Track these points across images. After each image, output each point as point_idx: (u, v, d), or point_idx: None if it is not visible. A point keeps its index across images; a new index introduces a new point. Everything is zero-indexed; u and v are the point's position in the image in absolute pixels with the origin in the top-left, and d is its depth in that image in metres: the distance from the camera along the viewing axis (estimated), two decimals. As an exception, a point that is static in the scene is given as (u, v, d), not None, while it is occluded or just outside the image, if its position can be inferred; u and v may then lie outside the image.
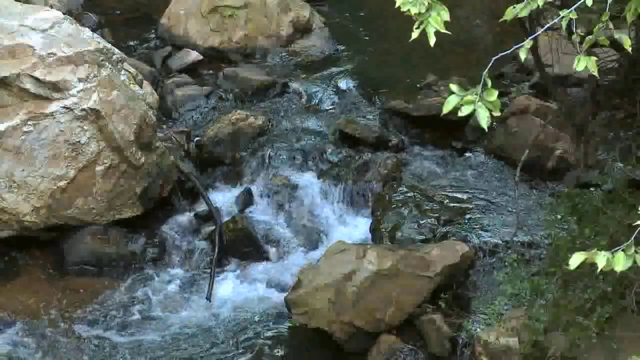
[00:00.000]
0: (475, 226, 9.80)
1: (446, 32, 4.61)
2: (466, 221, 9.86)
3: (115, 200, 9.86)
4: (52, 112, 9.48)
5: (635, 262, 4.42)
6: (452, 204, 10.10)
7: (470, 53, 12.36)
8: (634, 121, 8.02)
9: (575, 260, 4.48)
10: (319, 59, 12.85)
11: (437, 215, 9.85)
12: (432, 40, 4.60)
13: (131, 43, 12.87)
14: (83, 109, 9.53)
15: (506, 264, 8.23)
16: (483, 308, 8.58)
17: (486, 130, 4.55)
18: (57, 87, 9.49)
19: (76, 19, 11.05)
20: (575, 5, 4.61)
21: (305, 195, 10.53)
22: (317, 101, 11.83)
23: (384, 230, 9.77)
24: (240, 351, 8.96)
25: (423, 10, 4.57)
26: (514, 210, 9.36)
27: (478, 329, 8.13)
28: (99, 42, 9.88)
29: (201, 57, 12.58)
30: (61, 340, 8.96)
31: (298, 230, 10.28)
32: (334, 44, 13.12)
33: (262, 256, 10.02)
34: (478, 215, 9.98)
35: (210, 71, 12.49)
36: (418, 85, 11.79)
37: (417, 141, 11.21)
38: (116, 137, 9.68)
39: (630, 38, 4.81)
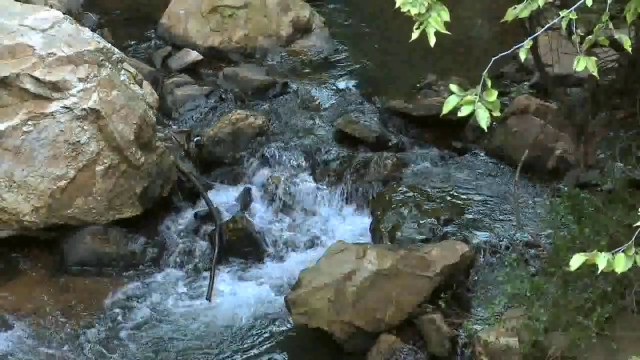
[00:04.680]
0: (475, 226, 9.80)
1: (446, 32, 4.61)
2: (466, 221, 9.87)
3: (115, 200, 9.87)
4: (52, 112, 9.48)
5: (635, 263, 4.42)
6: (452, 204, 10.11)
7: (470, 53, 12.36)
8: (634, 121, 8.01)
9: (576, 261, 4.48)
10: (319, 59, 12.86)
11: (437, 215, 9.85)
12: (432, 41, 4.60)
13: (131, 43, 12.87)
14: (83, 109, 9.53)
15: (506, 264, 8.22)
16: (483, 308, 8.58)
17: (486, 130, 4.55)
18: (57, 87, 9.49)
19: (76, 19, 11.05)
20: (575, 6, 4.61)
21: (305, 195, 10.53)
22: (317, 101, 11.83)
23: (384, 230, 9.77)
24: (240, 351, 8.96)
25: (423, 11, 4.57)
26: (514, 210, 9.37)
27: (478, 329, 8.13)
28: (99, 42, 9.87)
29: (201, 57, 12.58)
30: (61, 340, 8.95)
31: (298, 230, 10.28)
32: (334, 44, 13.12)
33: (262, 256, 10.02)
34: (478, 215, 9.99)
35: (210, 71, 12.49)
36: (418, 85, 11.79)
37: (417, 141, 11.22)
38: (116, 137, 9.68)
39: (630, 38, 4.81)
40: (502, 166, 10.77)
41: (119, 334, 9.10)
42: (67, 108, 9.50)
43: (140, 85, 10.30)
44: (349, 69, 12.58)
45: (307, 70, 12.57)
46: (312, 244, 10.15)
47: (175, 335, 9.13)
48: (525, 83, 11.60)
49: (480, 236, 9.63)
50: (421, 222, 9.77)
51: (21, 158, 9.51)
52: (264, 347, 9.00)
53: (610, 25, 4.75)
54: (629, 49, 4.79)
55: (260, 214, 10.44)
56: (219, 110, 11.61)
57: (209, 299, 9.51)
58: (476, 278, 9.24)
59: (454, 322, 8.58)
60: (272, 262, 10.00)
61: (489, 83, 4.52)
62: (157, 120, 10.51)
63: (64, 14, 10.25)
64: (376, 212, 10.08)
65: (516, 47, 4.72)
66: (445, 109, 4.54)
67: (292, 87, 11.99)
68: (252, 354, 8.92)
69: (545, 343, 7.51)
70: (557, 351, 7.40)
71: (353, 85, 12.17)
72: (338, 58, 12.88)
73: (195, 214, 10.35)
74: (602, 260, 4.43)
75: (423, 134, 11.28)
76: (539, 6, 4.71)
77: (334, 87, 12.12)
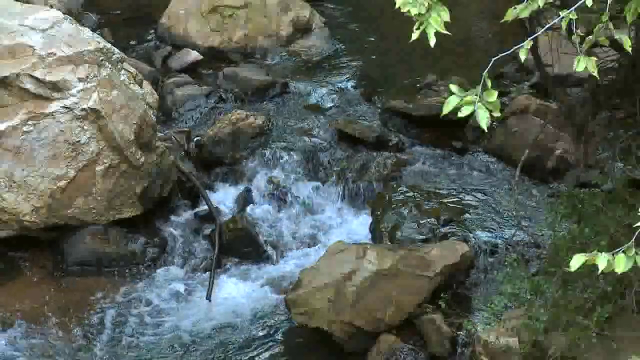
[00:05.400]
0: (475, 226, 9.81)
1: (446, 32, 4.61)
2: (466, 221, 9.87)
3: (115, 200, 9.87)
4: (52, 112, 9.48)
5: (636, 263, 4.42)
6: (452, 204, 10.11)
7: (470, 53, 12.36)
8: (634, 121, 8.02)
9: (576, 261, 4.48)
10: (319, 59, 12.86)
11: (437, 215, 9.85)
12: (432, 41, 4.60)
13: (131, 43, 12.87)
14: (83, 109, 9.53)
15: (506, 264, 8.22)
16: (483, 308, 8.58)
17: (486, 130, 4.55)
18: (57, 87, 9.49)
19: (76, 19, 11.05)
20: (576, 6, 4.61)
21: (305, 195, 10.54)
22: (317, 101, 11.83)
23: (384, 230, 9.77)
24: (240, 351, 8.96)
25: (423, 11, 4.57)
26: (514, 210, 9.37)
27: (478, 329, 8.13)
28: (99, 42, 9.88)
29: (201, 57, 12.59)
30: (61, 340, 8.96)
31: (298, 230, 10.28)
32: (334, 44, 13.12)
33: (262, 256, 10.02)
34: (478, 215, 9.99)
35: (210, 71, 12.50)
36: (418, 85, 11.79)
37: (417, 141, 11.21)
38: (116, 136, 9.68)
39: (630, 38, 4.81)
40: (502, 166, 10.77)
41: (119, 334, 9.10)
42: (67, 108, 9.50)
43: (140, 85, 10.30)
44: (349, 69, 12.58)
45: (307, 70, 12.56)
46: (312, 244, 10.15)
47: (176, 335, 9.13)
48: (525, 83, 11.59)
49: (480, 236, 9.63)
50: (421, 222, 9.77)
51: (21, 158, 9.51)
52: (264, 347, 9.00)
53: (610, 25, 4.75)
54: (629, 49, 4.79)
55: (260, 214, 10.44)
56: (219, 110, 11.61)
57: (209, 298, 9.51)
58: (476, 278, 9.24)
59: (454, 322, 8.58)
60: (272, 262, 10.00)
61: (489, 83, 4.53)
62: (157, 120, 10.51)
63: (64, 14, 10.25)
64: (376, 212, 10.09)
65: (516, 47, 4.72)
66: (446, 110, 4.54)
67: (292, 87, 11.99)
68: (252, 353, 8.92)
69: (545, 343, 7.51)
70: (557, 351, 7.40)
71: (353, 85, 12.17)
72: (338, 58, 12.88)
73: (195, 214, 10.36)
74: (602, 261, 4.43)
75: (423, 134, 11.28)
76: (539, 6, 4.70)
77: (334, 87, 12.12)
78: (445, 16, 4.62)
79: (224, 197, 10.61)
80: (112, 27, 13.04)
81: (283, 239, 10.18)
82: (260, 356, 8.91)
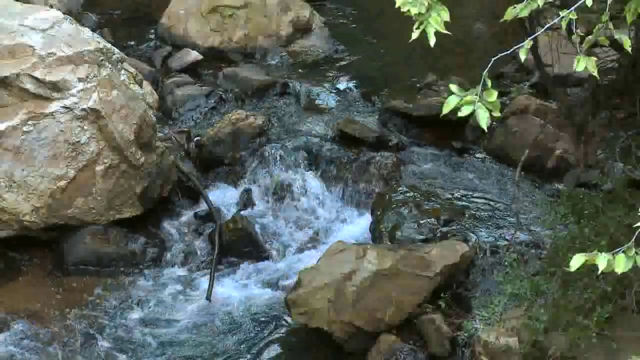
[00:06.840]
0: (475, 226, 9.81)
1: (446, 32, 4.61)
2: (466, 221, 9.87)
3: (115, 200, 9.87)
4: (52, 112, 9.48)
5: (635, 263, 4.42)
6: (452, 204, 10.11)
7: (470, 53, 12.36)
8: (634, 121, 8.02)
9: (576, 261, 4.48)
10: (319, 59, 12.86)
11: (437, 215, 9.85)
12: (432, 41, 4.60)
13: (131, 43, 12.88)
14: (83, 109, 9.53)
15: (506, 264, 8.22)
16: (483, 308, 8.57)
17: (486, 130, 4.55)
18: (57, 87, 9.49)
19: (76, 19, 11.05)
20: (576, 6, 4.61)
21: (305, 195, 10.54)
22: (317, 101, 11.83)
23: (384, 230, 9.77)
24: (240, 351, 8.96)
25: (423, 11, 4.57)
26: (514, 210, 9.37)
27: (478, 329, 8.13)
28: (99, 42, 9.88)
29: (201, 57, 12.59)
30: (61, 340, 8.95)
31: (298, 230, 10.28)
32: (334, 44, 13.12)
33: (262, 256, 10.02)
34: (478, 215, 9.99)
35: (210, 71, 12.50)
36: (418, 85, 11.79)
37: (417, 141, 11.22)
38: (116, 137, 9.68)
39: (630, 38, 4.81)
40: (502, 166, 10.77)
41: (119, 334, 9.10)
42: (67, 108, 9.50)
43: (140, 85, 10.30)
44: (349, 69, 12.57)
45: (307, 70, 12.57)
46: (312, 244, 10.15)
47: (175, 335, 9.13)
48: (525, 83, 11.60)
49: (480, 236, 9.63)
50: (421, 222, 9.77)
51: (21, 158, 9.51)
52: (264, 347, 9.00)
53: (610, 25, 4.75)
54: (629, 49, 4.79)
55: (260, 214, 10.44)
56: (219, 110, 11.61)
57: (209, 298, 9.51)
58: (476, 278, 9.24)
59: (454, 322, 8.58)
60: (272, 262, 10.00)
61: (489, 83, 4.52)
62: (157, 120, 10.50)
63: (64, 14, 10.25)
64: (376, 212, 10.08)
65: (516, 47, 4.72)
66: (446, 109, 4.54)
67: (292, 87, 11.99)
68: (252, 353, 8.92)
69: (545, 343, 7.51)
70: (557, 351, 7.40)
71: (353, 85, 12.17)
72: (338, 58, 12.88)
73: (195, 214, 10.36)
74: (602, 261, 4.43)
75: (423, 134, 11.28)
76: (539, 6, 4.70)
77: (334, 87, 12.12)
78: (445, 16, 4.62)
79: (224, 197, 10.61)
80: (112, 27, 13.04)
81: (283, 239, 10.19)
82: (260, 356, 8.90)
